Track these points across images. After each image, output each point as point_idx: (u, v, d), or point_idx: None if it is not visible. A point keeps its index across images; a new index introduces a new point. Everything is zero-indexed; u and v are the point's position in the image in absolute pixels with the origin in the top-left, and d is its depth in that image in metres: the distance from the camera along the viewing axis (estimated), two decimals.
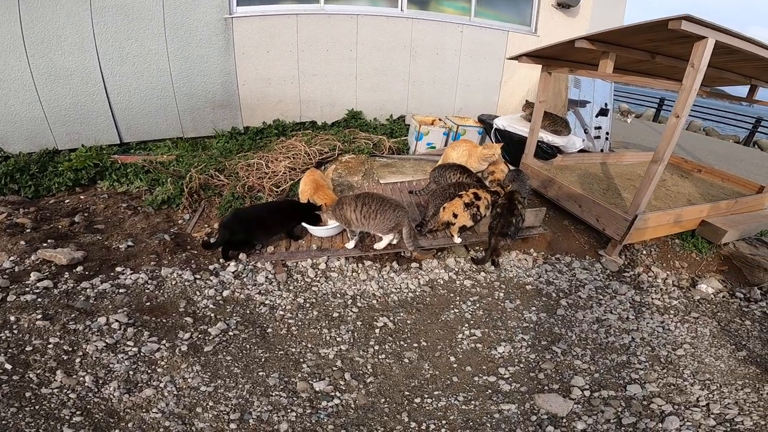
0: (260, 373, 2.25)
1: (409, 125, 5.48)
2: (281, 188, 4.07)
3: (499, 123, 4.95)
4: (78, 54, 4.43)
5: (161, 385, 2.14)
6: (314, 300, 2.84)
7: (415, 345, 2.51)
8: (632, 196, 4.12)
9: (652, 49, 3.61)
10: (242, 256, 3.25)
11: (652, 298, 3.29)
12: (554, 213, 4.11)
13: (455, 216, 3.20)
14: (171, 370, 2.23)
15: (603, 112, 6.30)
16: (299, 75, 5.40)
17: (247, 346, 2.43)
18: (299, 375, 2.25)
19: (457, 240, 3.33)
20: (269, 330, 2.56)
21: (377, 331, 2.59)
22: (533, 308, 2.95)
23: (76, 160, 4.39)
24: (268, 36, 5.11)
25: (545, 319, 2.86)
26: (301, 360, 2.35)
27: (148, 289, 2.84)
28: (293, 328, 2.58)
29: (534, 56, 4.11)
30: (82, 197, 4.26)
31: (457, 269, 3.27)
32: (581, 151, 5.23)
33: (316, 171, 3.72)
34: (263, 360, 2.34)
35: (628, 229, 3.38)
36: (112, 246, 3.36)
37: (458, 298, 2.96)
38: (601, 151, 6.03)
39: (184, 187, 4.07)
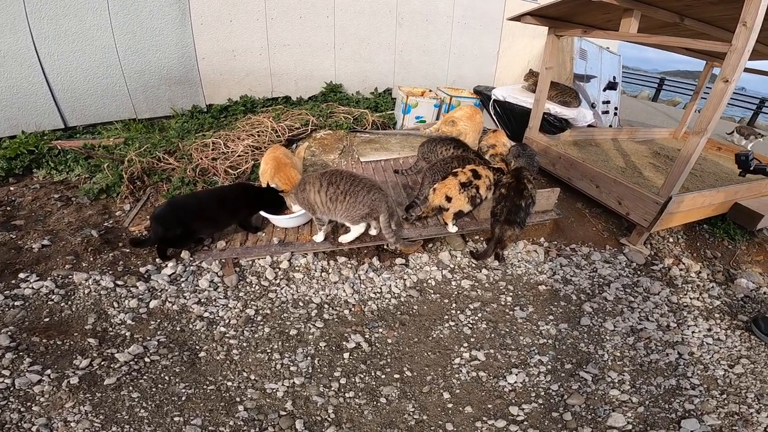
0: (176, 419, 1.61)
1: (396, 99, 4.81)
2: (240, 170, 3.39)
3: (498, 94, 4.30)
4: (9, 35, 3.88)
5: (33, 429, 1.52)
6: (269, 311, 2.20)
7: (397, 376, 1.87)
8: (653, 175, 3.57)
9: (682, 10, 3.01)
10: (185, 254, 2.59)
11: (691, 298, 2.70)
12: (565, 194, 3.49)
13: (449, 199, 2.55)
14: (51, 410, 1.63)
15: (611, 86, 5.70)
16: (269, 45, 4.75)
17: (166, 377, 1.79)
18: (231, 423, 1.60)
19: (452, 229, 2.68)
20: (202, 354, 1.92)
21: (346, 355, 1.94)
22: (550, 317, 2.32)
23: (8, 148, 3.79)
24: (231, 3, 4.48)
25: (567, 332, 2.24)
26: (238, 399, 1.71)
27: (53, 300, 2.20)
28: (234, 351, 1.93)
29: (539, 16, 3.45)
30: (12, 188, 3.59)
31: (452, 266, 2.62)
32: (589, 126, 4.61)
33: (280, 147, 3.05)
34: (184, 398, 1.70)
35: (660, 214, 2.78)
36: (25, 246, 2.69)
37: (454, 305, 2.31)
38: (610, 126, 5.41)
39: (123, 174, 3.39)
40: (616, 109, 5.66)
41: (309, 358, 1.90)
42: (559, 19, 3.49)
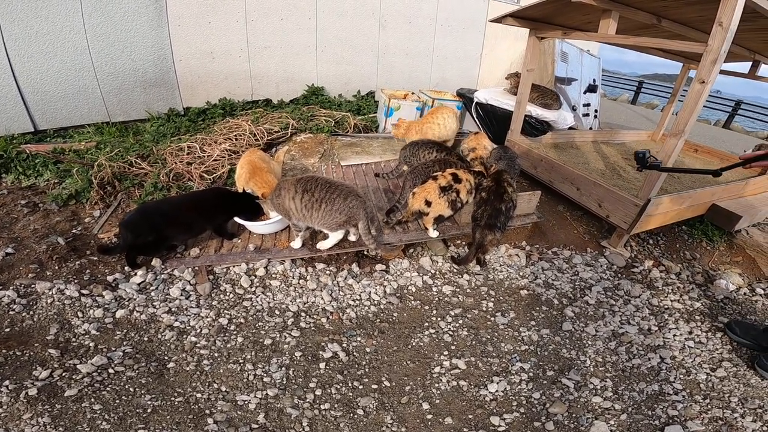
0: (140, 431, 1.52)
1: (378, 101, 4.76)
2: (216, 174, 3.29)
3: (480, 96, 4.28)
4: None
5: None
6: (243, 320, 2.11)
7: (375, 386, 1.80)
8: (632, 177, 3.59)
9: (659, 11, 3.05)
10: (156, 261, 2.49)
11: (671, 300, 2.70)
12: (547, 197, 3.48)
13: (428, 204, 2.50)
14: (9, 421, 1.54)
15: (591, 89, 5.77)
16: (249, 48, 4.66)
17: (132, 389, 1.69)
18: None
19: (433, 234, 2.64)
20: (170, 365, 1.83)
21: (322, 366, 1.86)
22: (532, 323, 2.29)
23: None
24: (210, 4, 4.38)
25: (549, 337, 2.20)
26: (208, 411, 1.63)
27: (14, 310, 2.09)
28: (205, 361, 1.85)
29: (520, 17, 3.45)
30: None
31: (433, 271, 2.58)
32: (570, 128, 4.64)
33: (256, 151, 2.96)
34: (150, 410, 1.61)
35: (639, 216, 2.78)
36: None
37: (435, 311, 2.26)
38: (590, 129, 5.47)
39: (92, 179, 3.26)
40: (596, 111, 5.73)
41: (283, 368, 1.82)
42: (540, 21, 3.49)
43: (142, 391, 1.69)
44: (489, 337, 2.15)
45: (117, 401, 1.65)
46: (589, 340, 2.28)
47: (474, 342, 2.10)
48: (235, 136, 3.66)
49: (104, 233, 2.88)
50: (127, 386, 1.72)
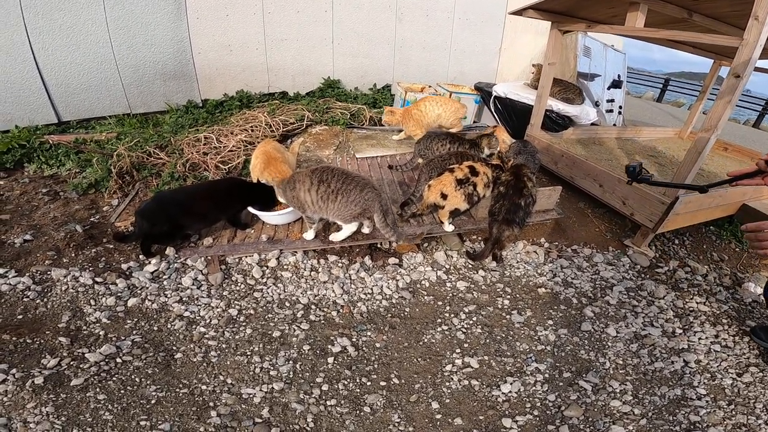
0: (142, 423, 1.52)
1: (394, 95, 4.70)
2: (232, 165, 3.29)
3: (499, 90, 4.18)
4: (4, 29, 3.83)
5: None
6: (252, 311, 2.09)
7: (383, 383, 1.76)
8: (658, 175, 3.45)
9: (691, 5, 2.91)
10: (170, 250, 2.50)
11: (697, 303, 2.58)
12: (567, 193, 3.37)
13: (444, 197, 2.43)
14: (12, 410, 1.54)
15: (616, 84, 5.58)
16: (266, 40, 4.65)
17: (137, 379, 1.69)
18: (201, 429, 1.50)
19: (448, 228, 2.58)
20: (178, 356, 1.82)
21: (330, 360, 1.83)
22: (549, 322, 2.20)
23: (0, 142, 3.73)
24: None
25: (567, 337, 2.12)
26: (212, 404, 1.61)
27: (28, 297, 2.11)
28: (213, 353, 1.83)
29: (542, 9, 3.34)
30: (1, 182, 3.53)
31: (447, 266, 2.51)
32: (592, 124, 4.49)
33: (271, 142, 2.94)
34: (154, 401, 1.61)
35: (666, 215, 2.65)
36: (8, 241, 2.63)
37: (448, 307, 2.20)
38: (614, 125, 5.28)
39: (111, 168, 3.31)
40: (620, 107, 5.53)
41: (291, 362, 1.79)
42: (563, 14, 3.38)
43: (148, 382, 1.69)
44: (503, 335, 2.08)
45: (122, 391, 1.64)
46: (610, 341, 2.19)
47: (488, 340, 2.03)
48: (251, 127, 3.66)
49: (121, 222, 2.91)
50: (133, 376, 1.72)
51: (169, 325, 1.99)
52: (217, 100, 4.66)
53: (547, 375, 1.89)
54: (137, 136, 3.94)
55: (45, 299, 2.10)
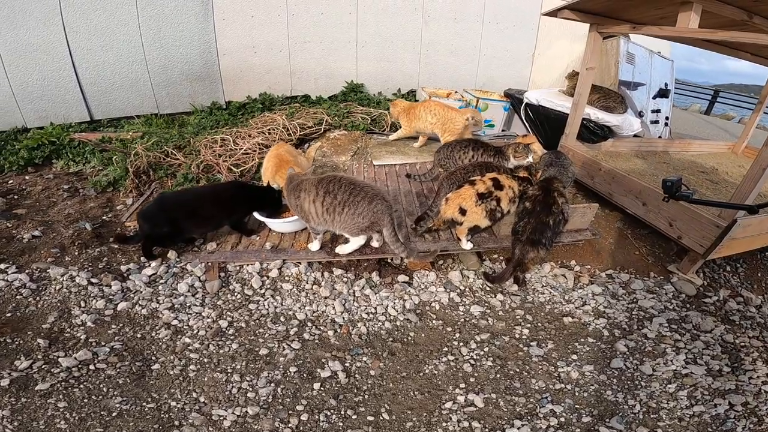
0: None
1: (419, 100, 4.50)
2: (246, 167, 3.20)
3: (531, 97, 3.90)
4: (44, 28, 3.97)
5: None
6: (244, 324, 1.94)
7: (371, 418, 1.55)
8: (710, 194, 3.07)
9: (752, 6, 2.56)
10: (172, 253, 2.41)
11: (750, 337, 2.23)
12: (603, 211, 3.05)
13: (463, 212, 2.20)
14: None
15: (663, 94, 5.13)
16: (289, 42, 4.61)
17: (106, 388, 1.57)
18: None
19: (466, 246, 2.33)
20: (155, 366, 1.70)
21: (317, 386, 1.64)
22: (573, 357, 1.92)
23: (31, 138, 3.85)
24: None
25: (592, 376, 1.83)
26: (177, 422, 1.47)
27: (22, 294, 2.07)
28: (192, 366, 1.69)
29: (579, 10, 3.06)
30: (27, 177, 3.63)
31: (462, 287, 2.28)
32: (635, 136, 4.12)
33: (284, 145, 2.82)
34: (116, 413, 1.48)
35: (720, 239, 2.30)
36: (18, 236, 2.63)
37: (458, 334, 1.96)
38: (659, 137, 4.85)
39: (129, 167, 3.31)
40: (666, 119, 5.08)
41: (272, 384, 1.62)
42: (602, 15, 3.08)
43: (115, 392, 1.57)
44: (518, 370, 1.81)
45: (85, 400, 1.53)
46: (643, 380, 1.89)
47: (498, 375, 1.78)
48: (269, 130, 3.57)
49: (132, 221, 2.87)
50: (101, 385, 1.61)
51: (153, 333, 1.87)
52: (240, 102, 4.65)
53: (563, 419, 1.62)
54: (161, 135, 3.96)
55: (37, 298, 2.04)
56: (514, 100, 4.16)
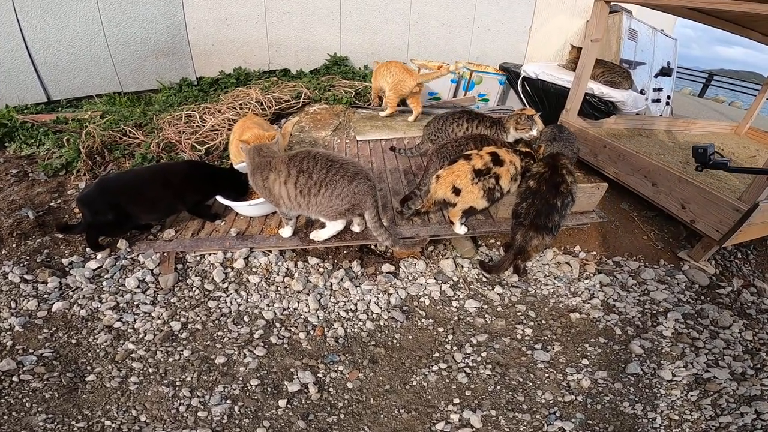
0: None
1: None
2: (212, 145, 2.86)
3: (529, 70, 3.60)
4: None
5: None
6: (200, 326, 1.64)
7: None
8: (719, 174, 2.83)
9: None
10: (122, 243, 2.08)
11: None
12: (608, 191, 2.80)
13: (457, 191, 1.90)
14: None
15: (665, 72, 4.89)
16: (266, 13, 4.23)
17: (29, 403, 1.30)
18: None
19: (460, 230, 2.05)
20: (90, 378, 1.41)
21: (283, 403, 1.35)
22: (584, 361, 1.67)
23: None
24: None
25: (606, 384, 1.59)
26: None
27: None
28: (134, 378, 1.40)
29: None
30: None
31: (455, 278, 2.00)
32: (637, 114, 3.86)
33: (253, 117, 2.49)
34: None
35: (739, 224, 2.06)
36: None
37: (451, 336, 1.69)
38: (661, 116, 4.62)
39: (81, 148, 2.95)
40: (668, 98, 4.85)
41: (229, 401, 1.33)
42: None
43: (40, 408, 1.29)
44: (521, 379, 1.55)
45: (4, 417, 1.25)
46: (663, 388, 1.66)
47: (499, 386, 1.51)
48: (241, 105, 3.21)
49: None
50: (24, 400, 1.33)
51: (91, 338, 1.57)
52: (213, 77, 4.27)
53: None
54: (122, 114, 3.61)
55: None
56: (510, 73, 3.86)
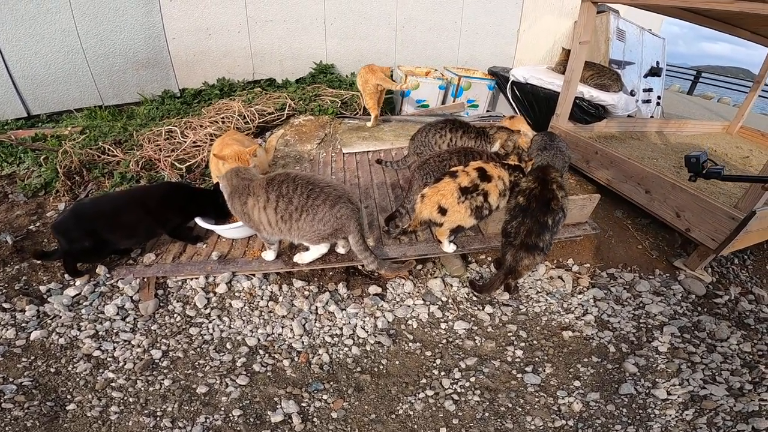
0: None
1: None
2: (193, 163, 2.78)
3: (518, 74, 3.55)
4: None
5: None
6: (181, 354, 1.58)
7: None
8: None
9: None
10: (101, 269, 2.01)
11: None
12: (602, 199, 2.77)
13: (443, 211, 1.84)
14: None
15: (654, 72, 4.86)
16: (248, 22, 4.16)
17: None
18: None
19: (448, 248, 1.99)
20: (70, 407, 1.38)
21: None
22: (576, 383, 1.61)
23: None
24: None
25: (598, 406, 1.54)
26: None
27: None
28: (114, 408, 1.36)
29: None
30: None
31: (444, 299, 1.94)
32: (628, 116, 3.83)
33: (233, 133, 2.42)
34: None
35: (736, 233, 2.02)
36: None
37: (439, 360, 1.63)
38: (651, 117, 4.59)
39: (58, 167, 2.88)
40: (659, 98, 4.82)
41: None
42: None
43: None
44: (510, 405, 1.49)
45: None
46: (657, 408, 1.62)
47: (487, 413, 1.45)
48: (223, 118, 3.14)
49: None
50: (7, 429, 1.29)
51: (70, 367, 1.52)
52: (196, 89, 4.18)
53: None
54: (103, 129, 3.52)
55: None
56: (499, 78, 3.81)
